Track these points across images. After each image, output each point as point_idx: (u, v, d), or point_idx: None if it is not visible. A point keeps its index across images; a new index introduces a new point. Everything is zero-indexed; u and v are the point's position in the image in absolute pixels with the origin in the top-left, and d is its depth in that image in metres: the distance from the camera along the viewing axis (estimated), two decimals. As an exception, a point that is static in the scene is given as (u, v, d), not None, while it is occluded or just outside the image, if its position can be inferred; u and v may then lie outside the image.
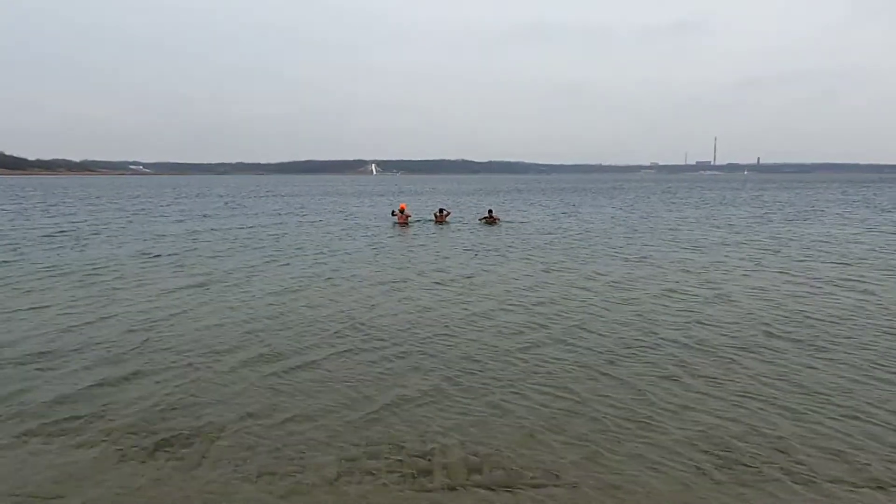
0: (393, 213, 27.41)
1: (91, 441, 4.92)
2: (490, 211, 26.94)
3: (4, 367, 6.79)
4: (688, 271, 13.21)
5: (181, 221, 27.30)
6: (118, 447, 4.82)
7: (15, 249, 16.71)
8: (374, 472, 4.41)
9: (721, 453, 4.77)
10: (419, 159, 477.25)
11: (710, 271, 13.17)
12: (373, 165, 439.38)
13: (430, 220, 27.01)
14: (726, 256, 15.50)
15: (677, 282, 11.93)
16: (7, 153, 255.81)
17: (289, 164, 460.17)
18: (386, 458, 4.62)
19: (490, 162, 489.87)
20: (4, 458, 4.66)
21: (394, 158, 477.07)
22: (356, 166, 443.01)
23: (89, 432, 5.08)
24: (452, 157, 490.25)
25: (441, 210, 27.88)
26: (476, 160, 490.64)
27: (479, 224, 25.47)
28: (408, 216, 26.48)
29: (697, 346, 7.64)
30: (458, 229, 23.23)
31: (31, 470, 4.48)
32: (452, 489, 4.19)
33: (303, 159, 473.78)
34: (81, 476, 4.39)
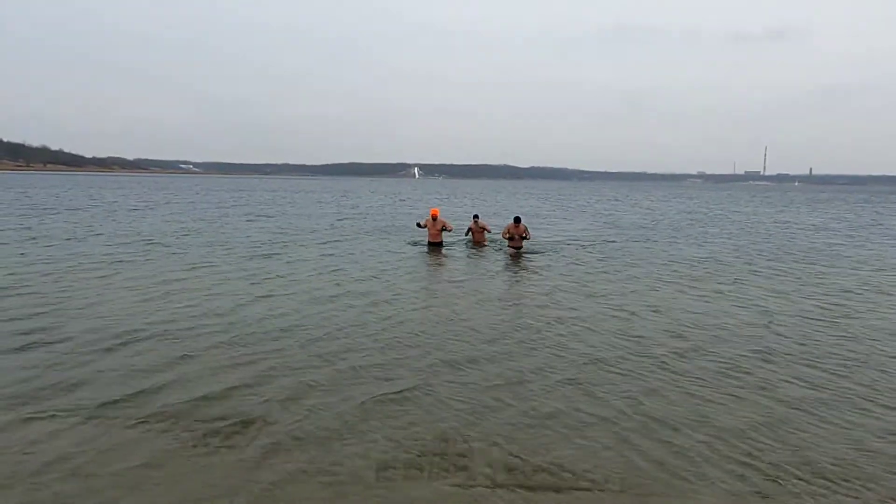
0: (419, 225, 17.65)
1: (142, 424, 5.02)
2: (517, 219, 16.20)
3: (67, 349, 7.03)
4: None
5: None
6: (167, 431, 4.92)
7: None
8: (416, 467, 4.42)
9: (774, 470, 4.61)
10: (462, 163, 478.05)
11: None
12: (416, 169, 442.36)
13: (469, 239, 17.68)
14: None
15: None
16: (66, 150, 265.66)
17: (333, 165, 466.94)
18: (428, 454, 4.62)
19: (532, 167, 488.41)
20: (62, 436, 4.79)
21: (436, 162, 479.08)
22: (399, 169, 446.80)
23: (141, 416, 5.19)
24: (495, 162, 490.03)
25: (476, 219, 17.76)
26: (519, 165, 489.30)
27: (503, 251, 16.36)
28: (442, 228, 16.91)
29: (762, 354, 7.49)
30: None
31: (86, 449, 4.60)
32: (494, 488, 4.15)
33: (347, 161, 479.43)
34: (131, 458, 4.48)
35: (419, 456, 4.62)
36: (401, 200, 52.58)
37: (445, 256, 15.64)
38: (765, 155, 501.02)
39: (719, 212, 42.00)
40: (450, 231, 17.14)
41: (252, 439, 4.86)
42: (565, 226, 26.86)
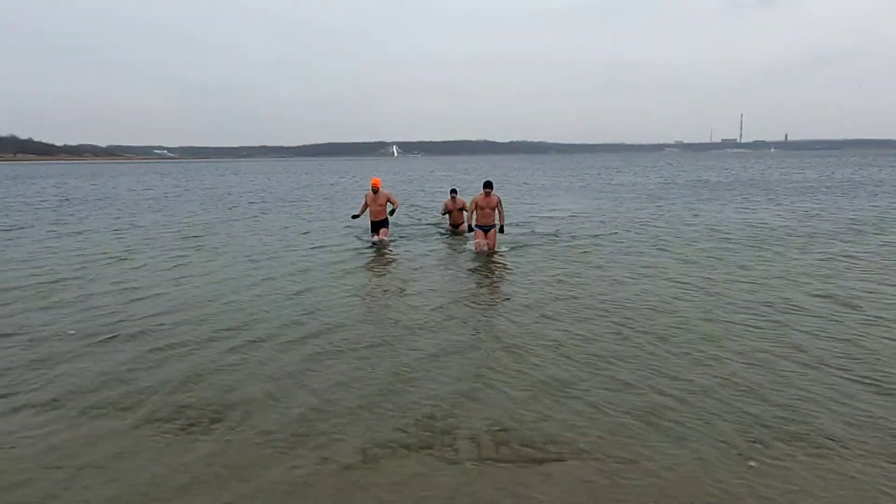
0: (355, 216, 14.08)
1: (125, 416, 4.87)
2: (487, 185, 11.99)
3: (54, 344, 6.78)
4: None
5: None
6: (151, 422, 4.76)
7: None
8: (404, 445, 4.33)
9: (756, 432, 4.47)
10: (440, 140, 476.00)
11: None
12: (394, 147, 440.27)
13: (441, 223, 16.20)
14: None
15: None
16: (36, 139, 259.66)
17: (311, 146, 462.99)
18: (414, 431, 4.53)
19: (511, 142, 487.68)
20: (53, 432, 4.62)
21: (415, 140, 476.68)
22: (377, 148, 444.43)
23: (123, 407, 5.03)
24: (474, 138, 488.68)
25: (453, 194, 14.83)
26: (498, 140, 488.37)
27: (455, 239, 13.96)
28: (382, 207, 13.45)
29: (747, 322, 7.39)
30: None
31: (75, 444, 4.44)
32: (481, 462, 4.08)
33: (324, 142, 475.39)
34: (117, 450, 4.33)
35: (405, 434, 4.49)
36: (408, 181, 51.58)
37: (436, 246, 13.20)
38: (741, 122, 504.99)
39: (722, 178, 41.86)
40: (395, 206, 13.57)
41: (233, 423, 4.71)
42: (587, 204, 23.89)
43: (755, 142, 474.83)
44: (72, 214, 21.41)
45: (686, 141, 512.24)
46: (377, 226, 13.52)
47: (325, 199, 28.66)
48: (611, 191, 31.38)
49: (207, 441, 4.44)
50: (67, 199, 28.40)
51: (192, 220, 19.14)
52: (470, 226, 12.37)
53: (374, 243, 13.13)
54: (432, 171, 72.80)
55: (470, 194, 14.62)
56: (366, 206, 13.55)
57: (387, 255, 12.06)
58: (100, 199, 28.78)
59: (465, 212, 14.03)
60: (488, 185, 11.99)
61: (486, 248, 11.85)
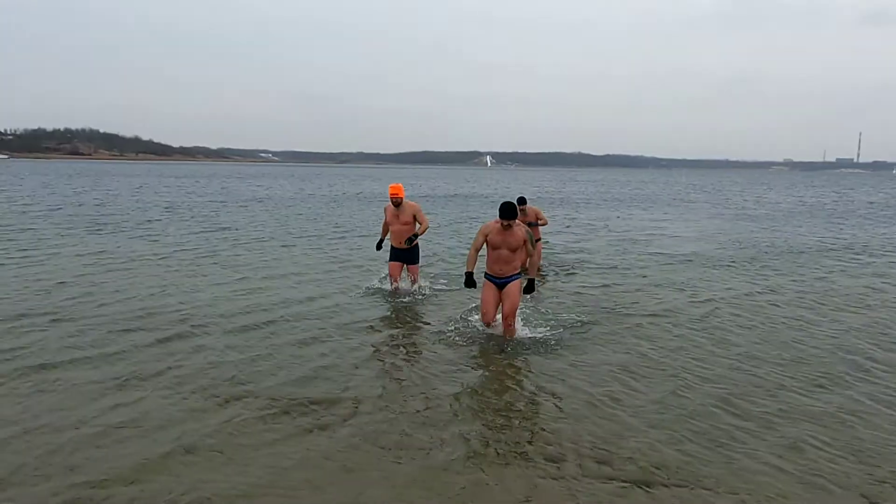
0: (379, 246, 9.63)
1: (239, 403, 5.16)
2: (521, 201, 10.51)
3: (159, 335, 7.24)
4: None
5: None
6: (263, 411, 5.04)
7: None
8: (506, 454, 4.41)
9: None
10: (534, 151, 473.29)
11: None
12: (488, 157, 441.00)
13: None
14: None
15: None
16: (156, 141, 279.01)
17: (406, 154, 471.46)
18: (516, 442, 4.62)
19: (607, 155, 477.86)
20: (177, 418, 4.91)
21: (508, 150, 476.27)
22: (471, 158, 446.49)
23: (236, 396, 5.32)
24: (569, 150, 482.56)
25: (521, 204, 10.71)
26: (593, 153, 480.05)
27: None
28: (409, 225, 8.80)
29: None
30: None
31: (189, 427, 4.74)
32: (584, 478, 4.09)
33: (419, 150, 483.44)
34: (228, 435, 4.62)
35: (508, 445, 4.58)
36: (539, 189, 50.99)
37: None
38: (859, 141, 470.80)
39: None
40: (423, 227, 8.89)
41: (343, 416, 4.98)
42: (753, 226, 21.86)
43: (874, 162, 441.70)
44: (246, 210, 22.48)
45: (795, 159, 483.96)
46: (401, 255, 9.06)
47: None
48: (775, 215, 27.01)
49: (318, 432, 4.68)
50: (223, 202, 29.93)
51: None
52: (469, 275, 7.10)
53: (395, 290, 9.11)
54: (544, 182, 72.15)
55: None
56: (387, 225, 9.15)
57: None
58: (252, 201, 30.84)
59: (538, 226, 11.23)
60: (508, 212, 6.60)
61: (495, 324, 7.11)
